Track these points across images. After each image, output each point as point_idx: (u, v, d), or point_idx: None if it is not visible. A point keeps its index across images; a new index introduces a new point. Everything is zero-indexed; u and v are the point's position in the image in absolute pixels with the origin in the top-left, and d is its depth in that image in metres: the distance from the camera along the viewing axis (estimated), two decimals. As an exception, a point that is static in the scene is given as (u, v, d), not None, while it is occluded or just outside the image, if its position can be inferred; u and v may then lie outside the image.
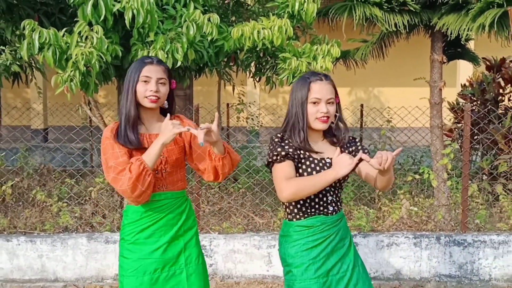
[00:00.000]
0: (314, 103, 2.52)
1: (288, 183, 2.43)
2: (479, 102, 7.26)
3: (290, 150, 2.49)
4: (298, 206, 2.56)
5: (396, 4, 5.20)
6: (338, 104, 2.64)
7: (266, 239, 5.02)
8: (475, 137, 6.72)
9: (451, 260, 5.02)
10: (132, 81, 2.64)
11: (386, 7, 5.21)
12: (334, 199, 2.61)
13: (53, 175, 7.57)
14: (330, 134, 2.66)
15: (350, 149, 2.70)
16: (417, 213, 5.78)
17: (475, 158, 7.35)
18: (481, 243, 5.02)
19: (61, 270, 4.97)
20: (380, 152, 2.30)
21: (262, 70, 5.58)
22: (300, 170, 2.54)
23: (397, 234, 5.08)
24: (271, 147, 2.53)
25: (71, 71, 4.24)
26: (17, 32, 5.01)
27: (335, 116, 2.61)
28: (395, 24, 5.22)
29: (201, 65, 5.57)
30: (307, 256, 2.50)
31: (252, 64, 5.60)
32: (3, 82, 5.41)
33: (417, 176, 6.16)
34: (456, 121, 7.44)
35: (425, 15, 5.39)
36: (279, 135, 2.56)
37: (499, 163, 6.46)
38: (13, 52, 4.93)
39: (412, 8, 5.24)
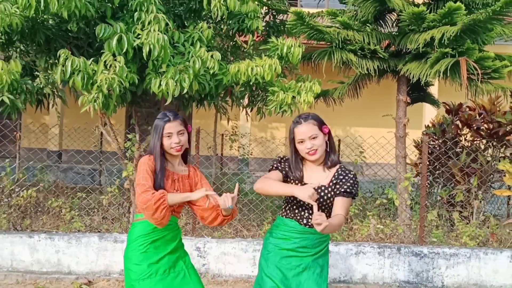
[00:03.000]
0: (300, 142, 2.93)
1: (263, 179, 2.92)
2: (440, 141, 7.78)
3: (281, 167, 3.00)
4: (287, 207, 3.03)
5: (368, 51, 5.78)
6: (328, 134, 2.97)
7: (252, 244, 5.43)
8: (437, 171, 7.22)
9: (409, 268, 5.44)
10: (158, 137, 3.09)
11: (360, 54, 5.77)
12: (309, 217, 2.94)
13: (66, 191, 7.94)
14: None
15: (339, 178, 2.92)
16: (382, 231, 6.22)
17: (437, 189, 7.84)
18: (435, 255, 5.45)
19: (74, 264, 5.33)
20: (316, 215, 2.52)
21: (254, 102, 6.11)
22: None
23: (364, 244, 5.52)
24: (273, 161, 3.06)
25: (96, 93, 4.72)
26: (50, 61, 5.53)
27: (327, 143, 2.97)
28: (367, 68, 5.79)
29: (202, 96, 6.09)
30: (276, 244, 3.01)
31: (246, 96, 6.11)
32: (27, 107, 5.89)
33: (384, 201, 6.64)
34: (420, 156, 7.94)
35: (392, 61, 5.96)
36: (281, 156, 3.08)
37: (456, 193, 6.94)
38: (46, 77, 5.41)
39: (381, 55, 5.82)
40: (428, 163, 7.34)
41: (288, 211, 3.02)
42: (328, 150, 2.97)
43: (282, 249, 2.96)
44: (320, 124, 2.96)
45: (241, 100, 6.67)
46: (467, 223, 6.65)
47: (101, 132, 10.17)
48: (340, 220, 2.72)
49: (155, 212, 2.91)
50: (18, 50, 5.66)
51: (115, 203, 6.09)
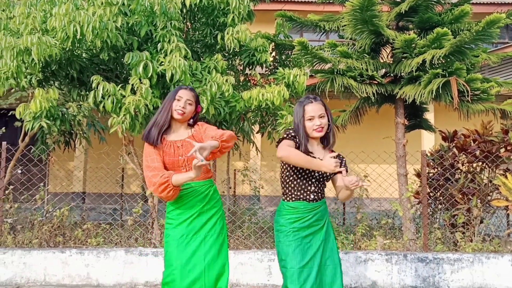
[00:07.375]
0: (310, 119, 3.08)
1: (287, 148, 2.97)
2: (440, 168, 7.94)
3: (294, 139, 3.07)
4: (287, 192, 3.12)
5: (366, 77, 6.08)
6: (330, 117, 3.14)
7: (267, 254, 5.53)
8: (438, 199, 7.35)
9: (416, 274, 5.49)
10: (170, 99, 3.27)
11: (359, 79, 6.07)
12: (316, 191, 3.11)
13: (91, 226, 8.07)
14: (323, 140, 3.20)
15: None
16: (389, 246, 6.29)
17: (439, 214, 7.91)
18: (440, 260, 5.52)
19: (102, 277, 5.44)
20: (353, 177, 2.81)
21: (265, 127, 6.38)
22: None
23: (372, 252, 5.60)
24: (286, 133, 3.09)
25: (124, 115, 5.02)
26: (82, 93, 5.88)
27: (329, 125, 3.13)
28: (367, 92, 6.05)
29: (218, 123, 6.38)
30: (290, 225, 3.05)
31: (257, 123, 6.39)
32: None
33: (389, 220, 6.75)
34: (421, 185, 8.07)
35: (389, 86, 6.25)
36: (290, 130, 3.12)
37: (457, 215, 7.03)
38: (78, 106, 5.75)
39: (379, 81, 6.12)
40: (429, 189, 7.51)
41: (292, 195, 3.09)
42: (328, 131, 3.12)
43: (298, 230, 3.04)
44: (325, 107, 3.11)
45: (252, 131, 6.96)
46: (470, 241, 6.70)
47: (122, 175, 10.49)
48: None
49: (162, 193, 3.07)
50: (53, 87, 6.05)
51: (140, 219, 6.25)
